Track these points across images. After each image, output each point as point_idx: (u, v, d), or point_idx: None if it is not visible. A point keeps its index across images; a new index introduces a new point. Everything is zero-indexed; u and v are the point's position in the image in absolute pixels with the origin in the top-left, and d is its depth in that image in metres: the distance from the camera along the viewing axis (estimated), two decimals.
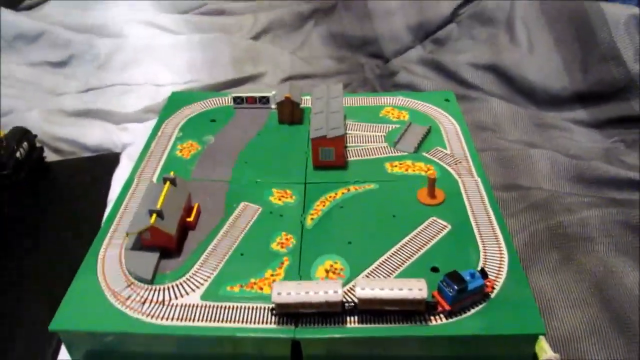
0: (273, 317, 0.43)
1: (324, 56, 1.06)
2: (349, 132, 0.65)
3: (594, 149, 0.75)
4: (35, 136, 0.79)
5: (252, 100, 0.69)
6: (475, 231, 0.50)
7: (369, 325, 0.42)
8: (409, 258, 0.48)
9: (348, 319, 0.42)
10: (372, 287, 0.42)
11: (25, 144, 0.76)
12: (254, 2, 1.19)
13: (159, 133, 0.66)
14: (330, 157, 0.58)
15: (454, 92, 0.78)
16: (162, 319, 0.43)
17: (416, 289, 0.42)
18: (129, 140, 0.84)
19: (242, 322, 0.43)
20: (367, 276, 0.46)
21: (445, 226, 0.51)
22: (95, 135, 0.85)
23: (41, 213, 0.72)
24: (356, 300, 0.42)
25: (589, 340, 0.51)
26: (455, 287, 0.42)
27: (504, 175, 0.71)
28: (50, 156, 0.83)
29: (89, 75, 1.00)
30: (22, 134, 0.76)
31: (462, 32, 0.96)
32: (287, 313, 0.43)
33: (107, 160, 0.81)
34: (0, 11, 1.03)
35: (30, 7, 1.16)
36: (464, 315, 0.42)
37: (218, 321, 0.43)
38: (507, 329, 0.41)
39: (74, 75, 1.02)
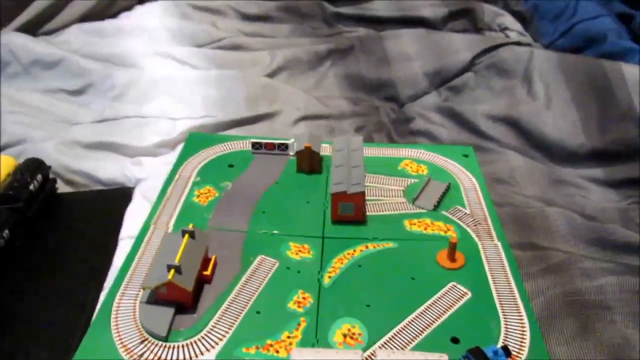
0: None
1: (339, 97, 1.06)
2: (368, 184, 0.64)
3: (610, 209, 0.75)
4: (49, 167, 0.79)
5: (270, 146, 0.69)
6: (496, 300, 0.50)
7: None
8: (429, 326, 0.47)
9: None
10: (393, 359, 0.41)
11: (39, 176, 0.75)
12: (270, 39, 1.20)
13: (176, 177, 0.65)
14: (350, 211, 0.58)
15: (470, 142, 0.78)
16: None
17: None
18: (143, 175, 0.83)
19: None
20: (386, 344, 0.45)
21: (466, 293, 0.50)
22: (108, 168, 0.85)
23: (51, 248, 0.71)
24: None
25: None
26: None
27: (519, 233, 0.70)
28: (62, 188, 0.82)
29: (105, 105, 1.00)
30: (36, 166, 0.76)
31: (479, 81, 0.96)
32: None
33: (120, 195, 0.80)
34: (17, 37, 1.04)
35: (48, 33, 1.17)
36: None
37: None
38: None
39: (90, 104, 1.02)
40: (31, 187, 0.73)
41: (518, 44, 0.99)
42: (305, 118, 1.00)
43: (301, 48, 1.14)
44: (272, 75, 1.11)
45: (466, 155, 0.71)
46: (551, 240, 0.70)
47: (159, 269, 0.47)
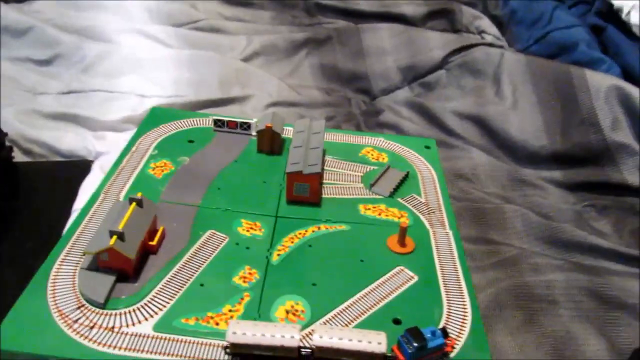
0: (226, 356, 0.41)
1: (312, 86, 1.06)
2: (327, 168, 0.64)
3: (566, 210, 0.76)
4: (6, 134, 0.77)
5: (233, 124, 0.68)
6: (441, 286, 0.50)
7: None
8: (373, 307, 0.47)
9: None
10: (331, 335, 0.41)
11: None
12: (249, 24, 1.19)
13: (134, 148, 0.64)
14: (305, 192, 0.57)
15: (436, 138, 0.79)
16: (109, 347, 0.41)
17: (375, 342, 0.41)
18: (104, 149, 0.82)
19: (194, 358, 0.41)
20: (328, 321, 0.45)
21: (412, 277, 0.50)
22: (69, 140, 0.83)
23: (1, 216, 0.69)
24: (313, 347, 0.41)
25: None
26: (415, 344, 0.41)
27: (475, 227, 0.71)
28: (19, 157, 0.80)
29: (72, 77, 0.98)
30: None
31: (451, 79, 0.97)
32: (241, 354, 0.41)
33: (78, 168, 0.79)
34: None
35: (20, 1, 1.14)
36: None
37: (168, 354, 0.41)
38: None
39: (57, 75, 1.00)
40: None
41: (490, 45, 1.00)
42: (276, 104, 1.00)
43: (279, 35, 1.14)
44: (247, 59, 1.10)
45: (428, 147, 0.71)
46: (505, 236, 0.71)
47: (102, 236, 0.46)
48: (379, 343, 0.41)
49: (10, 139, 0.80)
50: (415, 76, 1.01)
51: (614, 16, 1.12)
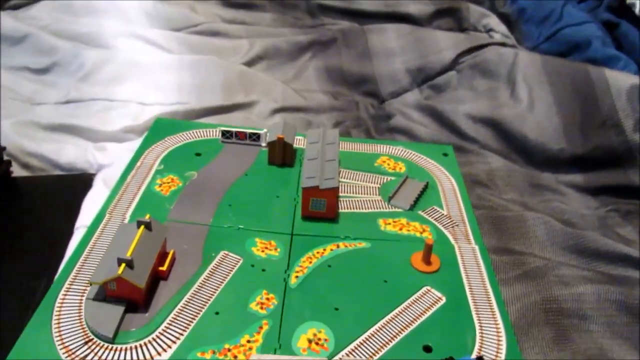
0: None
1: (318, 90, 1.03)
2: (342, 180, 0.61)
3: (589, 216, 0.73)
4: (4, 148, 0.74)
5: (242, 135, 0.65)
6: (472, 306, 0.47)
7: None
8: (400, 333, 0.44)
9: None
10: None
11: None
12: (250, 27, 1.16)
13: (138, 163, 0.61)
14: (321, 208, 0.54)
15: (450, 143, 0.76)
16: None
17: None
18: (106, 161, 0.78)
19: None
20: (354, 351, 0.42)
21: (440, 298, 0.47)
22: (69, 152, 0.80)
23: (1, 233, 0.66)
24: None
25: None
26: None
27: (497, 237, 0.68)
28: (18, 172, 0.77)
29: (71, 86, 0.95)
30: None
31: (462, 81, 0.94)
32: None
33: (80, 182, 0.75)
34: None
35: (16, 8, 1.11)
36: None
37: None
38: None
39: (55, 84, 0.96)
40: None
41: (503, 45, 0.97)
42: (282, 110, 0.96)
43: (282, 38, 1.10)
44: (249, 64, 1.07)
45: (446, 154, 0.68)
46: (528, 246, 0.67)
47: (109, 263, 0.43)
48: None
49: (9, 152, 0.76)
50: (425, 78, 0.98)
51: (626, 11, 1.09)
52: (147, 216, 0.46)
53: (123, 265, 0.42)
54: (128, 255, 0.42)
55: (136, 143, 0.80)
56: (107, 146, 0.83)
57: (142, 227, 0.45)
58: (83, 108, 0.92)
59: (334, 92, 1.02)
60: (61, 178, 0.78)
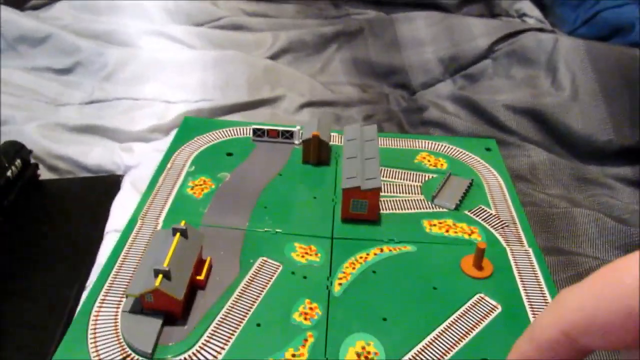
0: None
1: (346, 83, 1.00)
2: (381, 179, 0.58)
3: None
4: (31, 152, 0.72)
5: (274, 133, 0.62)
6: (530, 314, 0.43)
7: None
8: (455, 345, 0.41)
9: None
10: None
11: (18, 161, 0.69)
12: (273, 19, 1.13)
13: (169, 165, 0.59)
14: (363, 210, 0.51)
15: (487, 135, 0.72)
16: None
17: None
18: (133, 162, 0.77)
19: None
20: None
21: (495, 307, 0.44)
22: (95, 154, 0.78)
23: (28, 240, 0.64)
24: None
25: None
26: None
27: (542, 235, 0.64)
28: (45, 174, 0.76)
29: (95, 86, 0.93)
30: (15, 150, 0.69)
31: (498, 69, 0.89)
32: None
33: (108, 183, 0.74)
34: (2, 10, 0.97)
35: (36, 8, 1.10)
36: None
37: None
38: None
39: (79, 84, 0.95)
40: (8, 172, 0.66)
41: (541, 30, 0.92)
42: (309, 104, 0.93)
43: (306, 30, 1.07)
44: (274, 57, 1.04)
45: (489, 149, 0.64)
46: (578, 245, 0.64)
47: (145, 274, 0.40)
48: None
49: (35, 155, 0.75)
50: (458, 67, 0.94)
51: None
52: (183, 223, 0.44)
53: (160, 276, 0.39)
54: (165, 265, 0.40)
55: (163, 142, 0.78)
56: (134, 147, 0.81)
57: (178, 235, 0.43)
58: (108, 108, 0.90)
59: (362, 85, 0.99)
60: (89, 180, 0.76)
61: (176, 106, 0.90)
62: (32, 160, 0.73)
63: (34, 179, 0.72)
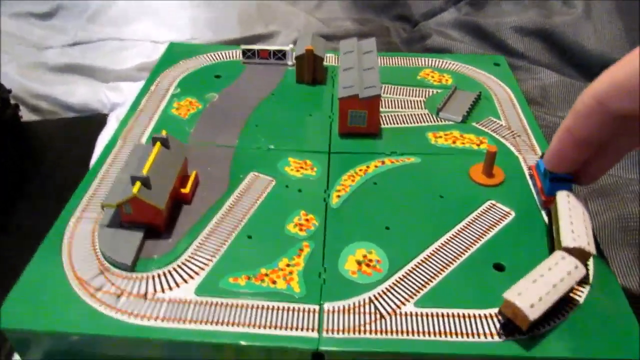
0: (292, 321, 0.32)
1: (345, 18, 0.94)
2: (382, 95, 0.54)
3: None
4: (10, 91, 0.68)
5: (265, 54, 0.58)
6: (546, 219, 0.40)
7: (412, 338, 0.32)
8: (464, 252, 0.37)
9: (387, 327, 0.32)
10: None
11: None
12: None
13: (152, 88, 0.55)
14: (362, 122, 0.47)
15: None
16: (142, 317, 0.32)
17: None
18: (120, 100, 0.73)
19: (249, 325, 0.32)
20: (411, 272, 0.35)
21: (508, 213, 0.40)
22: (80, 93, 0.74)
23: (12, 182, 0.61)
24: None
25: None
26: None
27: None
28: (27, 116, 0.72)
29: (78, 28, 0.89)
30: None
31: None
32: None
33: (93, 122, 0.70)
34: None
35: None
36: (543, 331, 0.32)
37: (217, 323, 0.32)
38: (605, 352, 0.31)
39: (62, 28, 0.90)
40: None
41: None
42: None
43: None
44: None
45: (497, 64, 0.60)
46: None
47: (123, 184, 0.37)
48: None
49: (15, 95, 0.71)
50: None
51: None
52: (164, 132, 0.40)
53: (138, 184, 0.36)
54: (144, 172, 0.36)
55: None
56: (121, 85, 0.77)
57: (159, 144, 0.39)
58: (93, 50, 0.85)
59: (360, 19, 0.94)
60: (73, 120, 0.72)
61: (165, 46, 0.85)
62: (12, 101, 0.69)
63: (14, 120, 0.68)
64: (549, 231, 0.38)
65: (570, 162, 0.36)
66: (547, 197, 0.39)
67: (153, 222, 0.37)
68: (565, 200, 0.37)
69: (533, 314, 0.30)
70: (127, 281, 0.35)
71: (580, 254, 0.33)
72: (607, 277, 0.35)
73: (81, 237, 0.38)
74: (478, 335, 0.32)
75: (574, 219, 0.35)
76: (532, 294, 0.31)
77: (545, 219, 0.40)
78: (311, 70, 0.54)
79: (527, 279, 0.32)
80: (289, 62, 0.58)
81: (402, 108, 0.52)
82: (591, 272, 0.36)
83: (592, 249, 0.34)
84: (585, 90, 0.31)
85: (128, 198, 0.36)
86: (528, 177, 0.44)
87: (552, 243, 0.37)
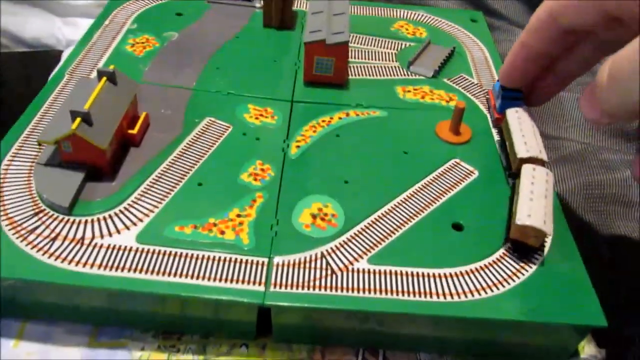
0: (239, 273, 0.31)
1: None
2: (352, 45, 0.51)
3: None
4: None
5: None
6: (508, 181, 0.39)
7: (363, 295, 0.30)
8: (423, 209, 0.36)
9: (338, 284, 0.31)
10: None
11: None
12: None
13: (106, 22, 0.51)
14: (328, 71, 0.45)
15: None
16: (77, 263, 0.30)
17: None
18: (76, 37, 0.68)
19: (193, 276, 0.31)
20: (367, 228, 0.34)
21: (472, 172, 0.39)
22: (34, 27, 0.69)
23: None
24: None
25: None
26: None
27: None
28: None
29: None
30: None
31: None
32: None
33: (46, 58, 0.65)
34: None
35: None
36: (497, 293, 0.31)
37: (157, 272, 0.30)
38: (558, 316, 0.30)
39: None
40: None
41: None
42: None
43: None
44: None
45: (474, 21, 0.57)
46: (564, 130, 0.59)
47: (62, 120, 0.34)
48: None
49: None
50: None
51: None
52: (111, 67, 0.37)
53: (78, 120, 0.33)
54: (85, 108, 0.33)
55: None
56: (78, 21, 0.71)
57: (104, 79, 0.36)
58: None
59: None
60: (26, 55, 0.68)
61: None
62: None
63: None
64: (510, 196, 0.37)
65: (521, 75, 0.39)
66: (499, 115, 0.41)
67: (95, 163, 0.34)
68: (514, 116, 0.39)
69: (549, 230, 0.32)
70: (64, 224, 0.32)
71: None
72: (566, 242, 0.35)
73: (15, 176, 0.35)
74: (431, 295, 0.31)
75: (524, 132, 0.37)
76: (537, 212, 0.32)
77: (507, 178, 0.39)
78: (279, 14, 0.51)
79: (524, 200, 0.33)
80: (257, 4, 0.54)
81: (372, 59, 0.49)
82: (549, 238, 0.35)
83: (543, 156, 0.36)
84: (541, 4, 0.34)
85: (66, 135, 0.33)
86: (495, 136, 0.42)
87: (511, 206, 0.36)
